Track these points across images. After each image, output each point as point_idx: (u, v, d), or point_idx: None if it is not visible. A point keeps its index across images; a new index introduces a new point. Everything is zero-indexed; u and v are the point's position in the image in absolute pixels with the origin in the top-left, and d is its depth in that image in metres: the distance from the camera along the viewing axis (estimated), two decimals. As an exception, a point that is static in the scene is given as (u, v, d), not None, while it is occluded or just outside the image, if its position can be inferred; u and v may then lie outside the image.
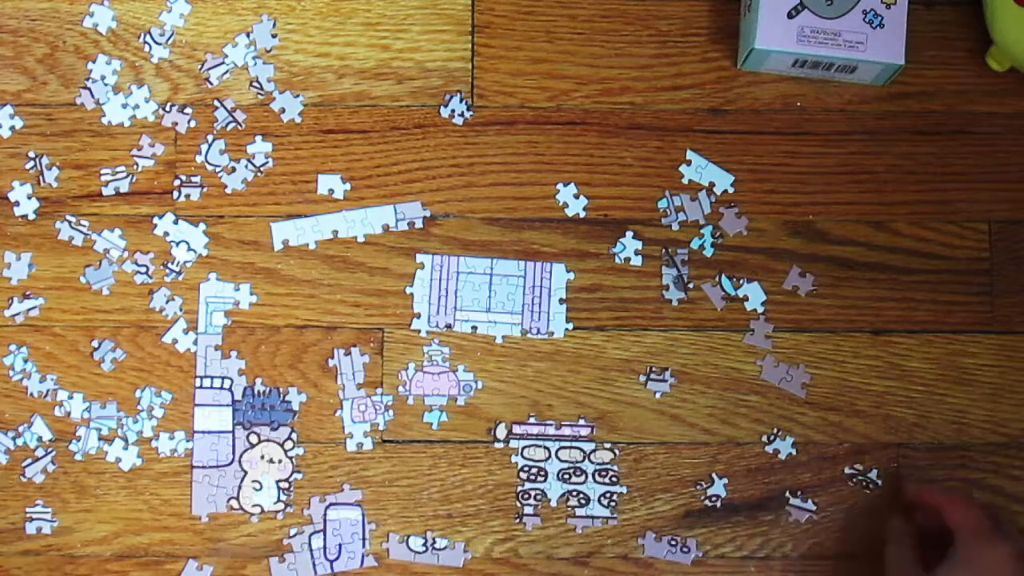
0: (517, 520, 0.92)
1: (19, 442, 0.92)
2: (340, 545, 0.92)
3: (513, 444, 0.93)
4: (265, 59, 0.96)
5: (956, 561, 0.85)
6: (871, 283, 0.95)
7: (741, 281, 0.94)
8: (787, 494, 0.93)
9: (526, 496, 0.93)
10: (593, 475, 0.93)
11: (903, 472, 0.93)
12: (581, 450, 0.93)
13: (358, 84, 0.96)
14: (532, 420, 0.93)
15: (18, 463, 0.92)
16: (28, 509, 0.91)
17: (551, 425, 0.93)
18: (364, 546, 0.92)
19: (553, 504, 0.93)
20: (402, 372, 0.93)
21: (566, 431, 0.93)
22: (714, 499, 0.93)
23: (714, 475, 0.93)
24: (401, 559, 0.92)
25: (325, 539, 0.92)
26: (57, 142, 0.94)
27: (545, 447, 0.93)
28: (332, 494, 0.92)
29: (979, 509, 0.88)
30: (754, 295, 0.94)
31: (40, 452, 0.92)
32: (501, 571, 0.92)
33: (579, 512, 0.93)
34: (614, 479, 0.93)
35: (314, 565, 0.91)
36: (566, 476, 0.93)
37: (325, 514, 0.92)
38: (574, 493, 0.93)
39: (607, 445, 0.93)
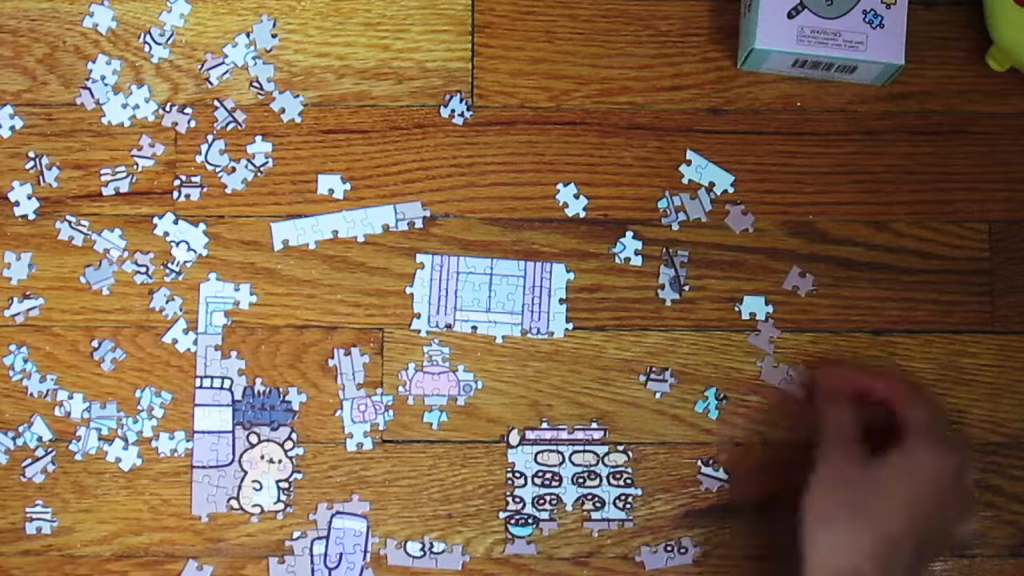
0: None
1: (19, 442, 0.92)
2: (341, 554, 0.92)
3: (527, 449, 0.93)
4: (265, 59, 0.96)
5: (904, 454, 0.81)
6: (871, 283, 0.95)
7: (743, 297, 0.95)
8: (698, 462, 0.93)
9: (540, 501, 0.93)
10: (608, 478, 0.93)
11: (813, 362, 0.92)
12: (595, 453, 0.93)
13: (358, 84, 0.96)
14: (545, 425, 0.93)
15: (18, 463, 0.92)
16: (28, 509, 0.91)
17: (563, 430, 0.93)
18: (365, 558, 0.92)
19: (568, 508, 0.93)
20: (402, 372, 0.93)
21: (578, 435, 0.93)
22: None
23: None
24: (399, 564, 0.92)
25: (327, 546, 0.92)
26: (57, 142, 0.94)
27: (559, 452, 0.93)
28: (340, 503, 0.92)
29: (931, 404, 0.85)
30: (757, 308, 0.94)
31: (40, 452, 0.92)
32: (502, 571, 0.92)
33: (595, 516, 0.93)
34: (628, 481, 0.93)
35: (312, 571, 0.91)
36: (580, 480, 0.93)
37: (330, 521, 0.92)
38: (589, 497, 0.93)
39: (620, 447, 0.93)
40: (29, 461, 0.92)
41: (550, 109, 0.96)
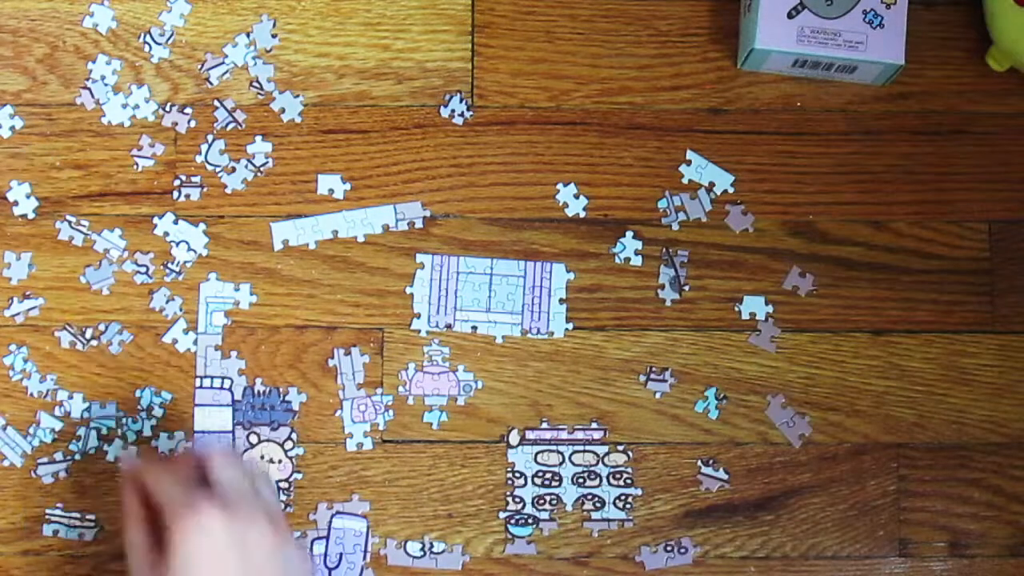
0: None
1: (34, 443, 0.92)
2: (341, 555, 0.92)
3: (527, 449, 0.93)
4: (265, 59, 0.96)
5: (170, 552, 0.71)
6: (871, 283, 0.95)
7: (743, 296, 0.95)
8: (698, 462, 0.93)
9: (540, 501, 0.93)
10: (608, 478, 0.93)
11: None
12: (595, 453, 0.93)
13: (358, 84, 0.96)
14: (545, 425, 0.93)
15: (18, 464, 0.92)
16: (48, 511, 0.91)
17: (563, 429, 0.93)
18: (365, 558, 0.92)
19: (568, 508, 0.93)
20: (402, 372, 0.93)
21: (578, 435, 0.93)
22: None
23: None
24: (399, 564, 0.92)
25: (327, 546, 0.92)
26: (57, 142, 0.94)
27: (559, 452, 0.93)
28: (340, 503, 0.92)
29: (174, 481, 0.74)
30: (757, 308, 0.94)
31: (59, 456, 0.91)
32: (502, 571, 0.92)
33: (595, 516, 0.93)
34: (628, 481, 0.93)
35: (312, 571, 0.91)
36: (580, 480, 0.93)
37: (330, 521, 0.92)
38: (589, 496, 0.93)
39: (620, 447, 0.93)
40: (45, 460, 0.91)
41: (550, 109, 0.96)
